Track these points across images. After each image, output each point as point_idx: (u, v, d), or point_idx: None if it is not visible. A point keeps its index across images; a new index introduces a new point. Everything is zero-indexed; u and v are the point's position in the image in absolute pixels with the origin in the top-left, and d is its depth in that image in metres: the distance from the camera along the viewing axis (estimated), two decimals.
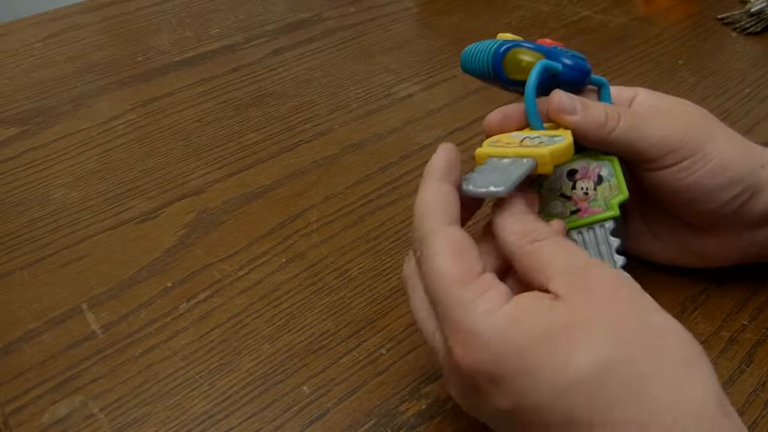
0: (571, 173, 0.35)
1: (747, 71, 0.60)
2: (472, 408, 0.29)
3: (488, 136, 0.36)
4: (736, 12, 0.67)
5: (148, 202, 0.45)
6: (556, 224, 0.32)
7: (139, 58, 0.59)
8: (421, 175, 0.47)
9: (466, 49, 0.39)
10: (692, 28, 0.66)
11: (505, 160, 0.31)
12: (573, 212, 0.35)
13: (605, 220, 0.35)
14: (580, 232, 0.35)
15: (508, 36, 0.37)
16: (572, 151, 0.32)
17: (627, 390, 0.24)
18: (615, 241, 0.34)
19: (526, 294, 0.27)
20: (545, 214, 0.35)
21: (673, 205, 0.36)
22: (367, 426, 0.33)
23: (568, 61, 0.35)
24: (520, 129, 0.35)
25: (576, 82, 0.36)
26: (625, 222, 0.40)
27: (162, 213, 0.45)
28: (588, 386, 0.24)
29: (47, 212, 0.44)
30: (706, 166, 0.34)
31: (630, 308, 0.26)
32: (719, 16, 0.68)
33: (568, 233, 0.35)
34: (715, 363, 0.36)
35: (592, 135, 0.34)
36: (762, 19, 0.65)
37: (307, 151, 0.50)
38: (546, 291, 0.27)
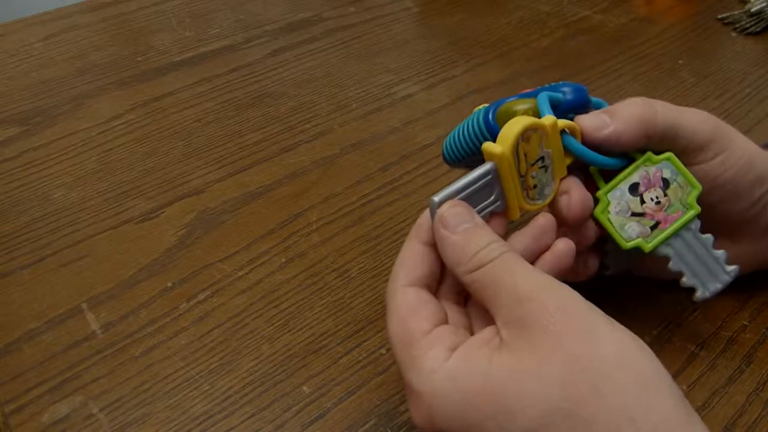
0: (634, 187, 0.33)
1: (747, 71, 0.60)
2: None
3: None
4: (736, 12, 0.67)
5: (148, 202, 0.45)
6: (561, 246, 0.31)
7: (139, 58, 0.59)
8: (420, 174, 0.48)
9: (445, 141, 0.36)
10: (692, 28, 0.66)
11: (489, 188, 0.31)
12: (653, 227, 0.33)
13: (689, 221, 0.33)
14: (668, 245, 0.33)
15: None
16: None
17: None
18: (708, 238, 0.33)
19: (471, 342, 0.27)
20: (626, 239, 0.33)
21: (704, 206, 0.35)
22: (367, 426, 0.33)
23: (565, 89, 0.34)
24: None
25: (578, 107, 0.34)
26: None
27: (162, 213, 0.45)
28: None
29: (47, 212, 0.44)
30: (739, 162, 0.33)
31: (575, 343, 0.25)
32: (719, 16, 0.68)
33: (655, 250, 0.33)
34: (715, 363, 0.36)
35: (636, 132, 0.32)
36: (762, 19, 0.66)
37: (307, 151, 0.50)
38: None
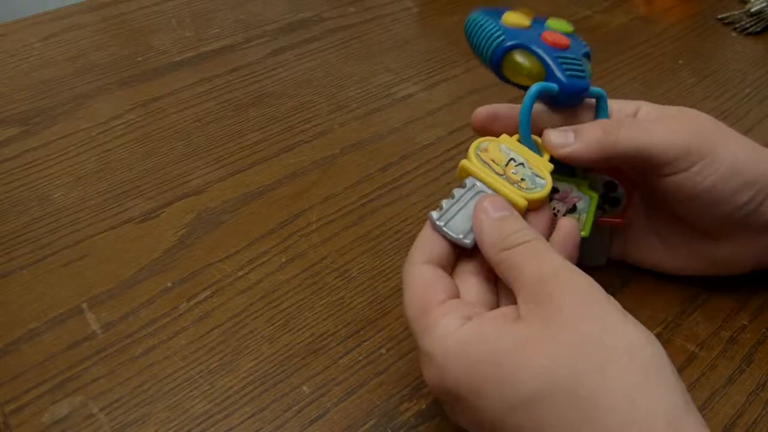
0: (553, 191, 0.36)
1: (747, 71, 0.60)
2: (453, 420, 0.30)
3: (474, 130, 0.37)
4: (736, 12, 0.67)
5: (148, 202, 0.45)
6: (565, 223, 0.32)
7: (139, 58, 0.59)
8: (420, 174, 0.48)
9: (472, 17, 0.38)
10: (692, 28, 0.66)
11: (484, 191, 0.32)
12: None
13: None
14: None
15: (522, 15, 0.37)
16: (548, 199, 0.33)
17: (572, 411, 0.24)
18: None
19: (488, 314, 0.28)
20: None
21: (687, 211, 0.36)
22: (367, 426, 0.33)
23: (563, 79, 0.35)
24: (508, 131, 0.35)
25: (572, 98, 0.36)
26: (632, 234, 0.40)
27: (162, 213, 0.45)
28: (533, 407, 0.25)
29: (47, 212, 0.44)
30: (720, 170, 0.34)
31: (586, 326, 0.26)
32: (719, 16, 0.68)
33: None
34: (715, 363, 0.36)
35: (595, 155, 0.34)
36: (762, 19, 0.65)
37: (307, 151, 0.50)
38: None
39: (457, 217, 0.32)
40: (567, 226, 0.32)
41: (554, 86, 0.35)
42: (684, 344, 0.37)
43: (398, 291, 0.40)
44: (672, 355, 0.36)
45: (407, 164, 0.49)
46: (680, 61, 0.61)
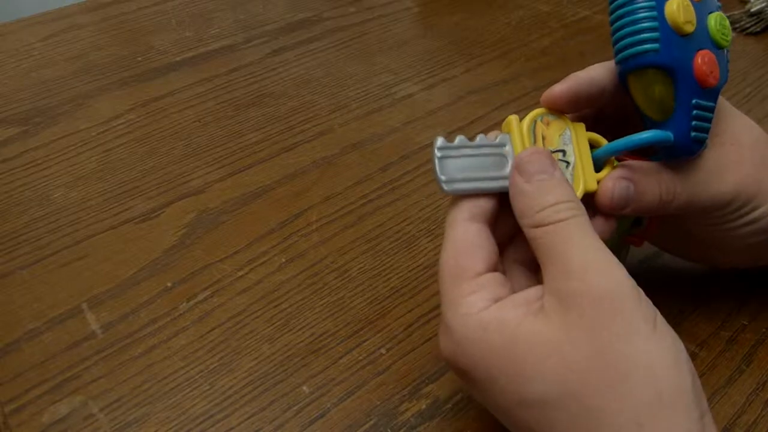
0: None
1: (747, 71, 0.60)
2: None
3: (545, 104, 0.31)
4: (736, 12, 0.67)
5: (148, 202, 0.45)
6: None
7: (139, 58, 0.59)
8: (420, 174, 0.48)
9: None
10: None
11: (507, 158, 0.28)
12: None
13: None
14: None
15: (688, 9, 0.28)
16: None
17: (580, 422, 0.24)
18: None
19: (513, 298, 0.27)
20: None
21: (717, 241, 0.34)
22: (367, 426, 0.33)
23: (682, 140, 0.28)
24: (566, 110, 0.30)
25: (675, 159, 0.30)
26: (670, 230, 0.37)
27: (162, 213, 0.45)
28: (542, 409, 0.25)
29: (47, 212, 0.44)
30: (762, 208, 0.31)
31: (607, 337, 0.24)
32: None
33: None
34: (714, 363, 0.36)
35: (647, 214, 0.31)
36: (762, 19, 0.65)
37: (307, 151, 0.50)
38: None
39: (459, 160, 0.28)
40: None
41: (669, 138, 0.29)
42: (684, 344, 0.37)
43: (398, 291, 0.40)
44: None
45: (407, 164, 0.49)
46: None
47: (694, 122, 0.29)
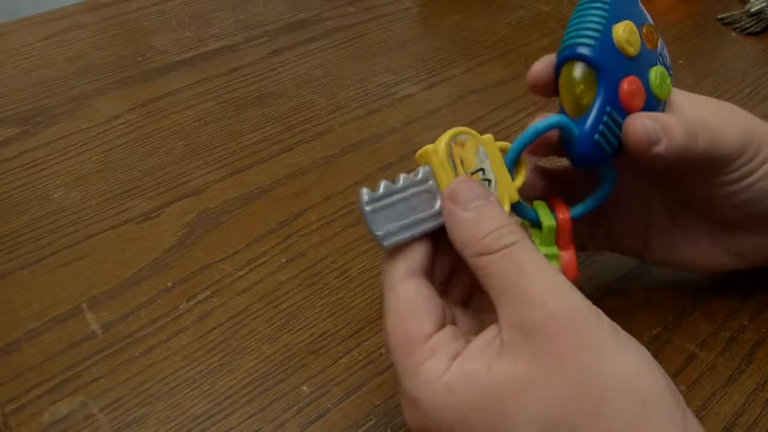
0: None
1: (747, 71, 0.60)
2: None
3: (531, 89, 0.32)
4: (736, 12, 0.67)
5: (148, 202, 0.45)
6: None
7: (139, 58, 0.59)
8: None
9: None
10: (692, 28, 0.66)
11: (434, 192, 0.28)
12: None
13: None
14: None
15: (635, 34, 0.30)
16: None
17: None
18: None
19: (471, 348, 0.26)
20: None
21: (724, 209, 0.34)
22: (367, 426, 0.33)
23: (586, 140, 0.29)
24: (546, 94, 0.31)
25: (578, 164, 0.31)
26: (654, 230, 0.37)
27: (162, 213, 0.45)
28: None
29: (47, 212, 0.44)
30: (764, 165, 0.32)
31: (579, 360, 0.24)
32: (719, 16, 0.68)
33: None
34: (714, 363, 0.36)
35: (673, 161, 0.30)
36: (762, 19, 0.65)
37: (307, 151, 0.50)
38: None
39: (388, 209, 0.27)
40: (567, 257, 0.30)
41: (572, 129, 0.30)
42: (684, 344, 0.37)
43: None
44: (672, 355, 0.36)
45: (407, 164, 0.49)
46: (680, 61, 0.61)
47: (601, 127, 0.29)
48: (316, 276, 0.41)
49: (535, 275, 0.25)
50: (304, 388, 0.35)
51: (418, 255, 0.27)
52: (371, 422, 0.34)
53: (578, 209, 0.32)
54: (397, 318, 0.26)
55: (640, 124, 0.29)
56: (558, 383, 0.24)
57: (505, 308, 0.25)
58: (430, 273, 0.28)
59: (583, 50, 0.29)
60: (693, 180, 0.33)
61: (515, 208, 0.30)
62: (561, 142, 0.31)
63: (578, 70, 0.30)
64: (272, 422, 0.33)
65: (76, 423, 0.33)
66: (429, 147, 0.28)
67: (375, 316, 0.39)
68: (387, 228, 0.27)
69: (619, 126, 0.30)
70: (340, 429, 0.33)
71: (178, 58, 0.59)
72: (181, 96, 0.55)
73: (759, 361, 0.37)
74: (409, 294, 0.27)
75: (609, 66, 0.29)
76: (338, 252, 0.42)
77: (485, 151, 0.29)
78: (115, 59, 0.59)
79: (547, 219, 0.31)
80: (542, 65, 0.31)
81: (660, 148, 0.29)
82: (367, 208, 0.26)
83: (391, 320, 0.27)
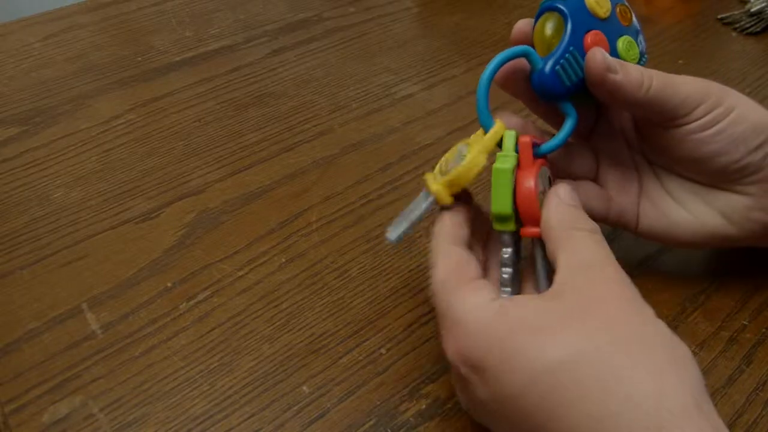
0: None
1: (747, 71, 0.60)
2: (466, 404, 0.31)
3: (512, 40, 0.37)
4: (736, 12, 0.67)
5: (148, 202, 0.45)
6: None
7: (139, 58, 0.59)
8: (420, 174, 0.48)
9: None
10: (692, 28, 0.66)
11: (421, 194, 0.33)
12: None
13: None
14: None
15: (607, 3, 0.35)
16: (471, 172, 0.31)
17: (595, 383, 0.25)
18: None
19: (518, 296, 0.30)
20: None
21: (698, 162, 0.36)
22: (367, 426, 0.33)
23: (544, 68, 0.33)
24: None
25: (541, 93, 0.34)
26: (648, 200, 0.38)
27: (162, 213, 0.45)
28: (558, 375, 0.25)
29: (47, 212, 0.44)
30: (730, 115, 0.34)
31: (620, 310, 0.27)
32: (719, 16, 0.68)
33: None
34: (714, 363, 0.36)
35: (629, 95, 0.34)
36: (762, 19, 0.65)
37: (307, 151, 0.50)
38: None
39: (400, 218, 0.33)
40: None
41: (538, 63, 0.34)
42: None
43: (398, 291, 0.40)
44: None
45: (407, 164, 0.49)
46: (680, 61, 0.61)
47: (562, 60, 0.33)
48: (316, 276, 0.41)
49: (604, 253, 0.29)
50: (304, 388, 0.35)
51: (462, 231, 0.32)
52: (371, 422, 0.34)
53: (546, 146, 0.34)
54: (447, 266, 0.30)
55: (599, 53, 0.33)
56: (608, 321, 0.26)
57: (569, 266, 0.29)
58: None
59: (557, 3, 0.34)
60: (660, 132, 0.36)
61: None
62: (530, 76, 0.35)
63: (551, 18, 0.35)
64: (272, 422, 0.33)
65: (76, 423, 0.33)
66: (432, 189, 0.32)
67: (375, 316, 0.39)
68: (394, 226, 0.33)
69: (580, 66, 0.34)
70: (340, 429, 0.33)
71: (178, 58, 0.59)
72: (181, 96, 0.55)
73: (759, 361, 0.37)
74: (457, 252, 0.31)
75: (576, 18, 0.34)
76: (338, 252, 0.42)
77: (464, 145, 0.33)
78: (115, 59, 0.59)
79: (509, 133, 0.34)
80: (523, 22, 0.37)
81: (618, 77, 0.33)
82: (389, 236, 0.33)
83: (439, 269, 0.30)
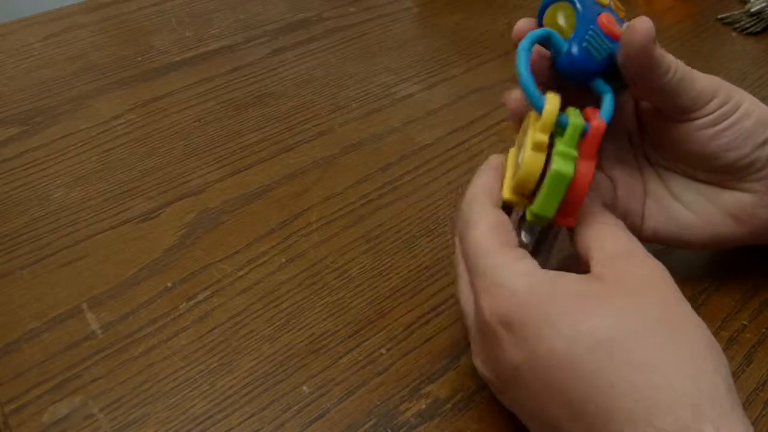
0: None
1: (747, 71, 0.60)
2: (490, 369, 0.30)
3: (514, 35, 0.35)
4: (736, 12, 0.67)
5: (148, 202, 0.45)
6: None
7: (139, 58, 0.59)
8: (421, 174, 0.48)
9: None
10: (692, 28, 0.66)
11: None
12: None
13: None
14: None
15: None
16: (531, 177, 0.30)
17: (641, 355, 0.25)
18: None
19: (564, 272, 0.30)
20: None
21: (707, 159, 0.36)
22: (367, 426, 0.33)
23: (573, 50, 0.32)
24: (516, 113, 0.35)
25: (572, 73, 0.33)
26: (655, 203, 0.38)
27: (162, 213, 0.45)
28: (602, 342, 0.26)
29: (47, 212, 0.44)
30: (738, 110, 0.35)
31: (668, 293, 0.28)
32: (719, 16, 0.68)
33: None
34: None
35: (657, 78, 0.34)
36: (762, 19, 0.65)
37: (307, 151, 0.50)
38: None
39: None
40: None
41: (563, 45, 0.32)
42: None
43: (398, 291, 0.40)
44: None
45: (407, 164, 0.49)
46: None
47: (587, 36, 0.32)
48: (316, 276, 0.41)
49: (630, 242, 0.31)
50: (304, 388, 0.35)
51: (497, 195, 0.32)
52: (371, 422, 0.34)
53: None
54: (488, 228, 0.30)
55: (647, 20, 0.32)
56: (649, 305, 0.27)
57: (601, 257, 0.30)
58: None
59: None
60: (669, 127, 0.36)
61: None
62: (554, 62, 0.33)
63: (560, 9, 0.34)
64: (272, 422, 0.33)
65: (76, 423, 0.33)
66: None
67: (375, 316, 0.39)
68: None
69: (603, 41, 0.32)
70: (340, 429, 0.33)
71: (178, 58, 0.59)
72: (181, 96, 0.55)
73: (759, 361, 0.37)
74: (498, 214, 0.31)
75: (586, 3, 0.33)
76: (338, 252, 0.42)
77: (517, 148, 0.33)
78: (115, 59, 0.59)
79: (577, 119, 0.30)
80: (524, 21, 0.36)
81: (657, 51, 0.33)
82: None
83: (480, 230, 0.30)
